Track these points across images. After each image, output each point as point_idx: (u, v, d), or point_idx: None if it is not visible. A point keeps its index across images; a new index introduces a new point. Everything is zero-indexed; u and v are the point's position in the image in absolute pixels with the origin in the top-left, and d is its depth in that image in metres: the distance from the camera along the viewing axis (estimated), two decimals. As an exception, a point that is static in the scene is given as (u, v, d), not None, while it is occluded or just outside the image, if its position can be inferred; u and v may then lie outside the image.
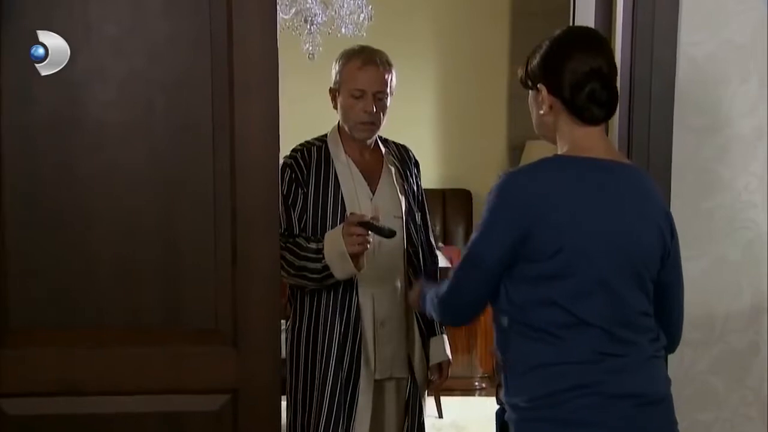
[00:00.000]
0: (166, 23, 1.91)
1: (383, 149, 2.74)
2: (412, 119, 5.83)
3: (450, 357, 2.78)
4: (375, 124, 2.62)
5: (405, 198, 2.69)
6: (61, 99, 1.87)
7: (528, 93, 1.86)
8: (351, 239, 2.47)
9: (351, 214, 2.53)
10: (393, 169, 2.70)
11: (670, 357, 2.02)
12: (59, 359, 1.93)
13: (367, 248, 2.49)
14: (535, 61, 1.87)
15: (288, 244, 2.53)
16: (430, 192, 6.23)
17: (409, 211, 2.68)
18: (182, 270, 1.96)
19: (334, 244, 2.49)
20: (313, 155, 2.63)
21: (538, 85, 1.84)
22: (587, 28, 2.01)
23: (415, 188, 2.75)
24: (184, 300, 1.97)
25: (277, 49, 1.95)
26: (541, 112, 1.85)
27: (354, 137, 2.62)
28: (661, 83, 2.02)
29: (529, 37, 6.37)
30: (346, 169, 2.62)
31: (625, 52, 2.01)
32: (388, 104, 2.65)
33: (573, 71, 1.75)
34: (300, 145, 2.68)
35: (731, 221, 2.19)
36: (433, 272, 2.78)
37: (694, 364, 2.14)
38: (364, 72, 2.57)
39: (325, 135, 2.72)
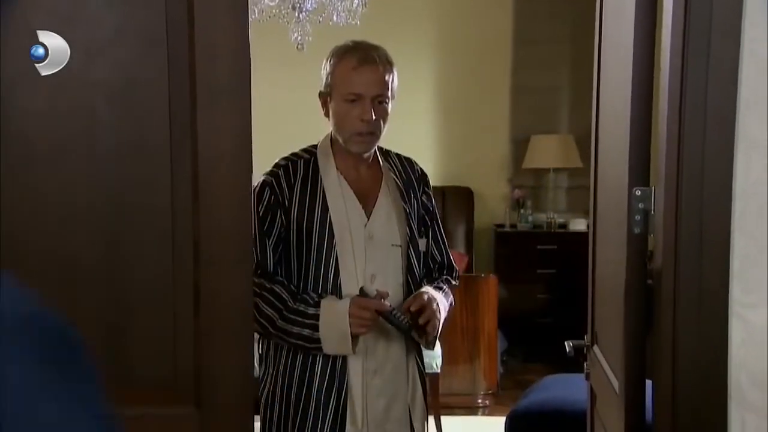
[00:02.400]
0: (111, 12, 1.64)
1: (383, 164, 2.34)
2: (409, 113, 5.49)
3: (434, 296, 2.26)
4: (374, 134, 2.21)
5: (406, 222, 2.31)
6: (-25, 108, 1.61)
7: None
8: (359, 321, 2.14)
9: (361, 290, 2.17)
10: (393, 188, 2.32)
11: (729, 423, 1.65)
12: (-19, 427, 1.58)
13: (370, 330, 2.19)
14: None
15: (264, 293, 2.16)
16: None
17: (411, 237, 2.30)
18: (133, 317, 1.70)
19: (336, 321, 2.14)
20: (299, 171, 2.24)
21: None
22: None
23: (421, 209, 2.37)
24: (135, 352, 1.70)
25: (249, 44, 1.68)
26: None
27: (349, 150, 2.23)
28: (720, 87, 1.63)
29: (533, 23, 6.20)
30: (336, 187, 2.23)
31: (675, 47, 1.62)
32: (389, 109, 2.26)
33: None
34: (284, 158, 2.28)
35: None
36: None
37: (758, 433, 1.76)
38: (359, 73, 2.18)
39: (315, 146, 2.33)
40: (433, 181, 6.19)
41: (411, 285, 2.30)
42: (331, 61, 2.23)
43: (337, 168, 2.25)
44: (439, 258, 2.40)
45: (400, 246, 2.28)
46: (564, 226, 6.05)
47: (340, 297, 2.18)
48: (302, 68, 5.73)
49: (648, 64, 1.78)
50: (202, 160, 1.65)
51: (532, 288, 5.82)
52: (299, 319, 2.14)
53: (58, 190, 1.64)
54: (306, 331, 2.14)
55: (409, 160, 2.42)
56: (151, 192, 1.66)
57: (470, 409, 4.80)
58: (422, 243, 2.34)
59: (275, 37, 4.44)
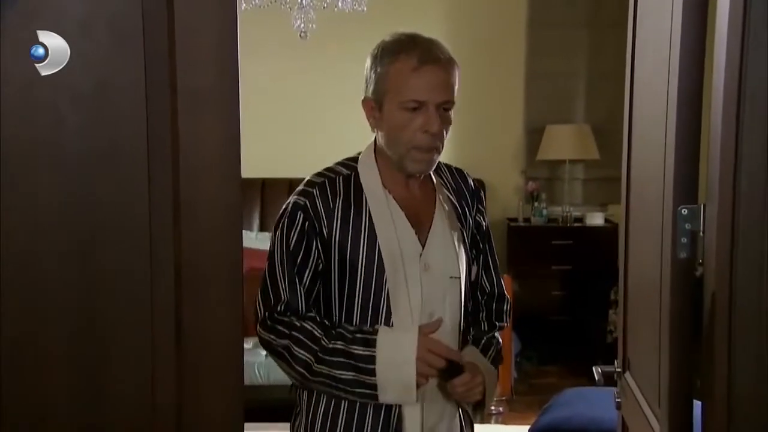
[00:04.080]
0: (79, 3, 1.45)
1: (435, 178, 1.98)
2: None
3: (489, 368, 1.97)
4: (438, 149, 1.85)
5: (464, 248, 1.96)
6: None
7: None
8: (427, 369, 1.81)
9: (434, 325, 1.85)
10: (449, 208, 1.97)
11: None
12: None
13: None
14: None
15: (294, 333, 1.82)
16: (439, 183, 5.70)
17: (468, 266, 1.97)
18: (106, 349, 1.52)
19: (402, 366, 1.78)
20: (339, 190, 1.87)
21: None
22: None
23: (474, 229, 2.02)
24: (108, 390, 1.52)
25: (237, 41, 1.51)
26: None
27: (406, 169, 1.86)
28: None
29: (548, 6, 5.95)
30: (384, 209, 1.86)
31: (734, 34, 1.40)
32: (452, 117, 1.89)
33: None
34: (318, 175, 1.90)
35: None
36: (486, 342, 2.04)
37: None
38: (421, 75, 1.81)
39: (354, 158, 1.94)
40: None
41: (462, 322, 1.98)
42: (382, 60, 1.84)
43: (384, 186, 1.88)
44: (488, 287, 2.04)
45: (459, 278, 1.93)
46: (580, 220, 5.83)
47: None
48: (305, 57, 5.58)
49: (699, 58, 1.56)
50: (184, 173, 1.47)
51: (547, 285, 5.61)
52: (352, 363, 1.79)
53: (22, 204, 1.46)
54: (356, 376, 1.78)
55: (460, 171, 2.04)
56: (127, 208, 1.48)
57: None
58: (473, 271, 2.01)
59: (277, 24, 4.24)
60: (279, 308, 1.83)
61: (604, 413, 2.67)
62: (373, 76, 1.85)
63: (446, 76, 1.83)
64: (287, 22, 3.87)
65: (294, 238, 1.83)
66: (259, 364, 3.93)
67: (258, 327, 1.88)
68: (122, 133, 1.47)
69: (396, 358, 1.78)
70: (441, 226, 1.92)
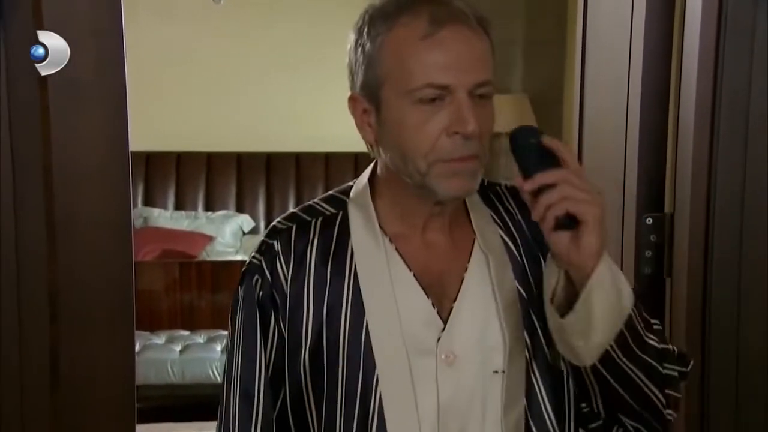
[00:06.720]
0: None
1: (478, 211, 1.24)
2: (316, 56, 5.00)
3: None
4: (477, 157, 1.15)
5: (523, 322, 1.19)
6: None
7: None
8: None
9: None
10: (501, 258, 1.22)
11: None
12: None
13: None
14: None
15: None
16: (338, 156, 5.33)
17: (534, 349, 1.17)
18: None
19: None
20: (313, 239, 1.23)
21: None
22: None
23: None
24: None
25: (121, 16, 1.38)
26: None
27: (437, 195, 1.14)
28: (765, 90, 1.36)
29: None
30: (379, 266, 1.22)
31: (707, 38, 1.34)
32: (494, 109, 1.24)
33: None
34: (288, 217, 1.25)
35: None
36: None
37: None
38: (439, 42, 1.13)
39: (347, 190, 1.28)
40: (342, 146, 5.66)
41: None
42: (371, 32, 1.16)
43: (383, 230, 1.21)
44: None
45: (500, 372, 1.21)
46: (515, 195, 5.75)
47: None
48: (221, 23, 5.31)
49: (665, 45, 1.46)
50: (59, 180, 1.36)
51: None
52: None
53: None
54: None
55: None
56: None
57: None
58: None
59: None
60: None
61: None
62: (360, 58, 1.18)
63: (478, 41, 1.14)
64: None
65: (247, 321, 1.24)
66: (173, 362, 3.72)
67: None
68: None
69: None
70: (477, 288, 1.20)
